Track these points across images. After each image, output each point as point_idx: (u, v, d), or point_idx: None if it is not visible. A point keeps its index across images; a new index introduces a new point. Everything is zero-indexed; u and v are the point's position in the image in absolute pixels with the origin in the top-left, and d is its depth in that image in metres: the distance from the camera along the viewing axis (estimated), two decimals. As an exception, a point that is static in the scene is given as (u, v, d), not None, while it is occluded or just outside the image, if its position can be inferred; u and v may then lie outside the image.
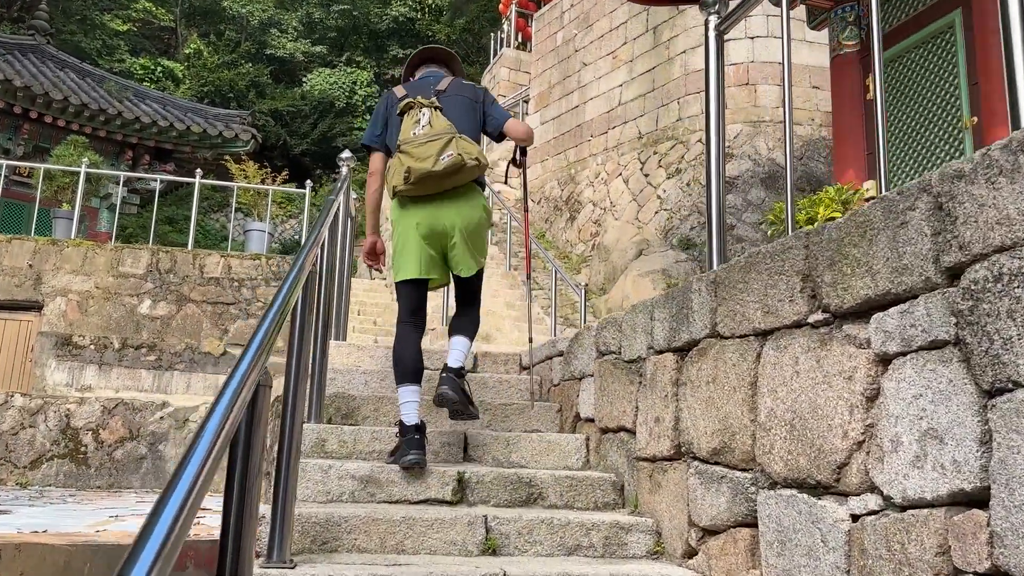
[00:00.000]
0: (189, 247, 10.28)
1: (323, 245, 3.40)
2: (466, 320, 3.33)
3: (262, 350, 1.64)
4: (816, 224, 4.37)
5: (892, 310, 1.78)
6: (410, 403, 3.05)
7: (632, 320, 2.99)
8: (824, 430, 1.94)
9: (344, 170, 4.34)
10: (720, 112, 2.79)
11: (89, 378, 8.74)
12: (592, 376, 3.33)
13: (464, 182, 3.18)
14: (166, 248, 9.99)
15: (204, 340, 9.49)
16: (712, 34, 2.87)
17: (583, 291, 8.33)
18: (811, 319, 2.04)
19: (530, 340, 3.73)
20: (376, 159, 3.34)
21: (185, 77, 26.59)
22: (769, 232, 4.61)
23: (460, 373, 3.17)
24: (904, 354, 1.74)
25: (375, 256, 3.53)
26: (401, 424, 3.02)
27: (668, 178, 10.75)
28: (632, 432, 2.94)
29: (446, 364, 3.20)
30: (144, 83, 23.88)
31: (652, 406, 2.77)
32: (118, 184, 15.59)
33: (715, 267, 2.66)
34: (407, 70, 3.65)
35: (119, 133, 16.50)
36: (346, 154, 4.38)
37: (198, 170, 10.70)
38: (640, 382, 2.90)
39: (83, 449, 7.96)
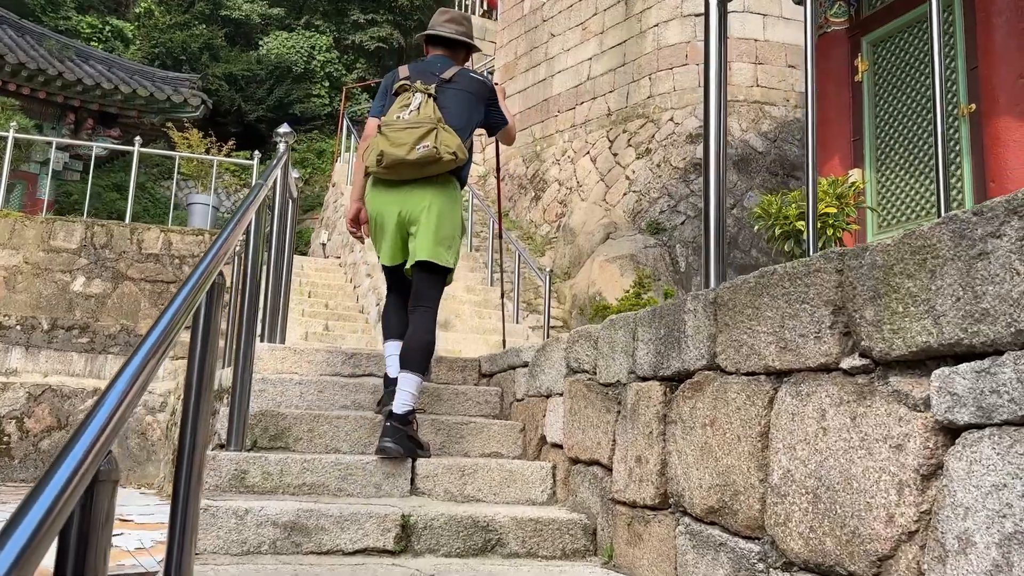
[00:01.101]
0: (127, 220, 9.62)
1: (250, 234, 2.91)
2: (417, 344, 3.06)
3: (104, 429, 1.15)
4: (809, 220, 3.98)
5: (964, 367, 1.36)
6: (392, 356, 3.14)
7: (610, 337, 2.55)
8: (861, 509, 1.53)
9: (281, 146, 3.82)
10: (721, 96, 2.35)
11: (14, 361, 8.10)
12: (561, 396, 2.90)
13: (438, 172, 3.13)
14: (101, 222, 9.32)
15: (141, 321, 8.88)
16: (714, 1, 2.41)
17: (548, 277, 7.90)
18: (845, 364, 1.62)
19: (504, 340, 3.53)
20: (372, 125, 3.31)
21: (135, 37, 25.44)
22: (756, 228, 4.20)
23: (407, 420, 2.91)
24: (980, 427, 1.32)
25: (357, 224, 3.41)
26: (386, 376, 3.18)
27: (638, 158, 10.33)
28: (608, 468, 2.51)
29: (391, 411, 2.92)
30: (92, 43, 22.74)
31: (633, 442, 2.34)
32: (59, 150, 14.75)
33: (713, 283, 2.23)
34: (426, 39, 3.57)
35: (60, 95, 15.54)
36: (284, 128, 3.86)
37: (137, 138, 10.01)
38: (619, 411, 2.47)
39: (6, 439, 7.36)
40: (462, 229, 3.32)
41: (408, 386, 2.93)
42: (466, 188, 11.47)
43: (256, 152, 10.26)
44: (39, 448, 7.39)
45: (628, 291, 5.72)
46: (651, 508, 2.23)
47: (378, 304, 8.49)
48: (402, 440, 2.84)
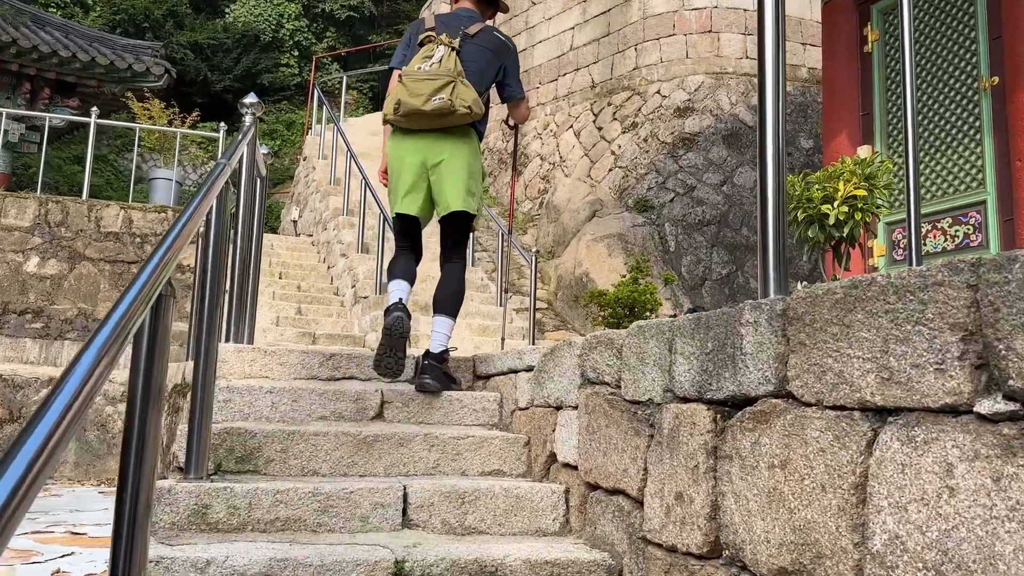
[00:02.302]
0: (84, 196, 9.05)
1: (211, 221, 2.49)
2: (450, 292, 3.31)
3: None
4: (837, 203, 3.61)
5: None
6: (395, 292, 3.22)
7: (638, 346, 2.17)
8: (1013, 600, 1.17)
9: (248, 119, 3.37)
10: (779, 70, 1.95)
11: (-38, 348, 7.57)
12: (575, 409, 2.52)
13: (455, 124, 3.20)
14: (56, 198, 8.75)
15: (101, 304, 8.36)
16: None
17: (534, 259, 7.50)
18: (982, 407, 1.25)
19: (503, 340, 3.69)
20: (393, 78, 3.38)
21: (96, 3, 24.45)
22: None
23: (442, 358, 3.20)
24: None
25: (387, 173, 3.46)
26: (386, 309, 3.17)
27: (623, 132, 9.92)
28: (637, 501, 2.14)
29: (428, 350, 3.20)
30: (50, 8, 21.77)
31: (672, 475, 1.97)
32: (15, 120, 14.01)
33: (772, 291, 1.85)
34: None
35: (14, 63, 14.73)
36: (250, 98, 3.41)
37: (94, 109, 9.41)
38: (651, 435, 2.09)
39: (-47, 433, 6.86)
40: (483, 178, 3.46)
41: (442, 328, 3.23)
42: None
43: (222, 124, 9.71)
44: (-10, 442, 6.90)
45: (624, 276, 5.36)
46: (697, 557, 1.87)
47: (353, 286, 8.05)
48: (438, 377, 3.10)
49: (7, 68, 14.53)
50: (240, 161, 3.35)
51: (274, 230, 16.31)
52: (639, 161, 9.49)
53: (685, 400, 1.96)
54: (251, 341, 3.81)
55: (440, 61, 3.13)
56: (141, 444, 1.58)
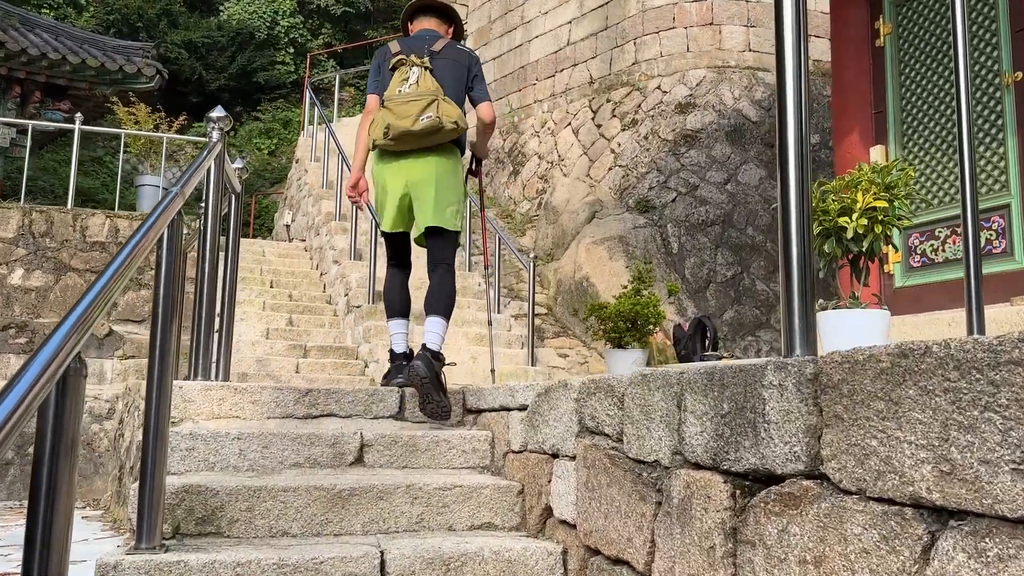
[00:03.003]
0: (69, 205, 8.79)
1: (162, 258, 2.22)
2: (440, 296, 3.45)
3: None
4: (856, 216, 3.33)
5: None
6: (398, 334, 3.51)
7: (642, 398, 1.90)
8: None
9: (215, 134, 3.10)
10: (801, 68, 1.69)
11: (-57, 366, 7.32)
12: (572, 460, 2.26)
13: (441, 141, 3.34)
14: (41, 207, 8.49)
15: (88, 316, 8.11)
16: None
17: (532, 264, 7.23)
18: (1080, 525, 0.99)
19: (492, 372, 4.04)
20: (372, 100, 3.51)
21: (89, 3, 24.18)
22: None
23: (437, 356, 3.25)
24: None
25: (357, 190, 3.63)
26: (391, 352, 3.47)
27: (623, 130, 9.64)
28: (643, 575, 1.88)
29: (424, 344, 3.30)
30: (42, 10, 21.52)
31: (683, 553, 1.71)
32: (4, 126, 13.77)
33: (799, 348, 1.58)
34: (405, 17, 3.78)
35: (3, 66, 14.48)
36: (216, 112, 3.14)
37: (78, 115, 9.15)
38: (659, 502, 1.83)
39: (-67, 455, 6.62)
40: (464, 193, 3.61)
41: (436, 328, 3.36)
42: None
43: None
44: (-29, 464, 6.66)
45: (626, 287, 5.09)
46: (714, 654, 1.61)
47: (346, 294, 7.80)
48: (429, 367, 3.09)
49: (-4, 71, 14.29)
50: (207, 179, 3.09)
51: (270, 230, 16.07)
52: (639, 159, 9.22)
53: (698, 467, 1.70)
54: (226, 375, 3.55)
55: (417, 81, 3.29)
56: (46, 540, 1.32)
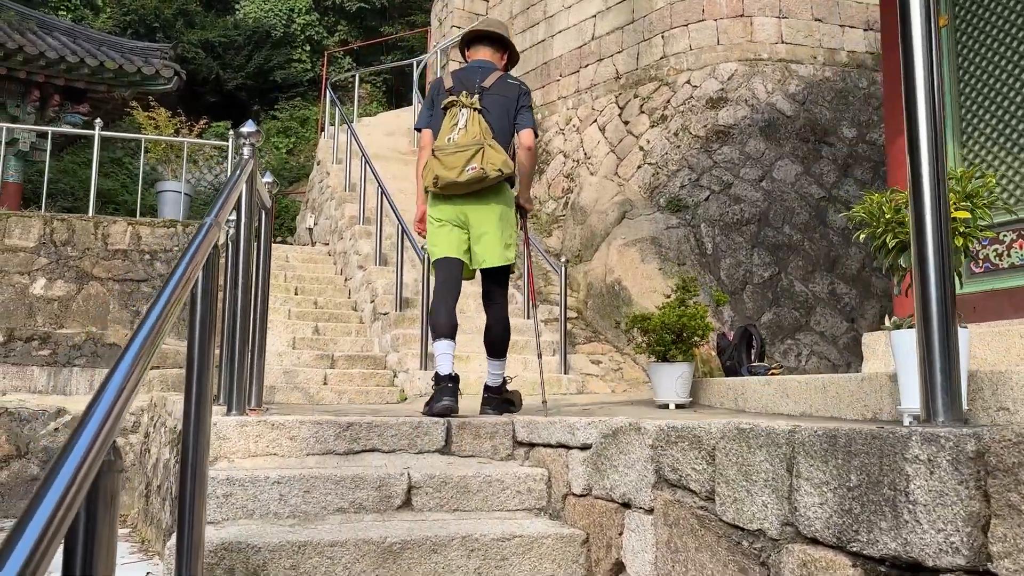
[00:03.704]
0: (91, 213, 8.66)
1: (199, 285, 2.03)
2: (497, 336, 3.77)
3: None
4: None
5: None
6: (444, 355, 3.53)
7: (739, 455, 1.69)
8: None
9: (246, 151, 2.91)
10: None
11: (-34, 380, 7.21)
12: (649, 513, 2.04)
13: (488, 186, 3.54)
14: (61, 216, 8.36)
15: (111, 326, 7.98)
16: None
17: (563, 269, 7.01)
18: None
19: (544, 403, 3.97)
20: (426, 136, 3.71)
21: (106, 5, 24.16)
22: (858, 236, 3.33)
23: (500, 390, 3.71)
24: None
25: (424, 223, 3.81)
26: (436, 375, 3.46)
27: (652, 126, 9.38)
28: (743, 657, 1.66)
29: (486, 384, 3.75)
30: (60, 12, 21.50)
31: (796, 640, 1.49)
32: (24, 129, 13.72)
33: (940, 402, 1.36)
34: (462, 44, 3.96)
35: (22, 70, 14.39)
36: (248, 127, 2.95)
37: (98, 121, 9.02)
38: (761, 576, 1.62)
39: (-42, 471, 6.51)
40: (516, 223, 3.82)
41: (495, 370, 3.74)
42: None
43: (231, 134, 9.26)
44: (-4, 480, 6.55)
45: (668, 296, 4.86)
46: None
47: (372, 301, 7.61)
48: (498, 406, 3.60)
49: (15, 76, 14.20)
50: (240, 200, 2.90)
51: (291, 231, 15.93)
52: (670, 157, 8.96)
53: (816, 543, 1.48)
54: (259, 400, 3.37)
55: (466, 126, 3.49)
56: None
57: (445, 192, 3.53)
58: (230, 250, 3.00)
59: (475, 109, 3.52)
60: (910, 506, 1.28)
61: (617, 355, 7.54)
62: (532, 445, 2.81)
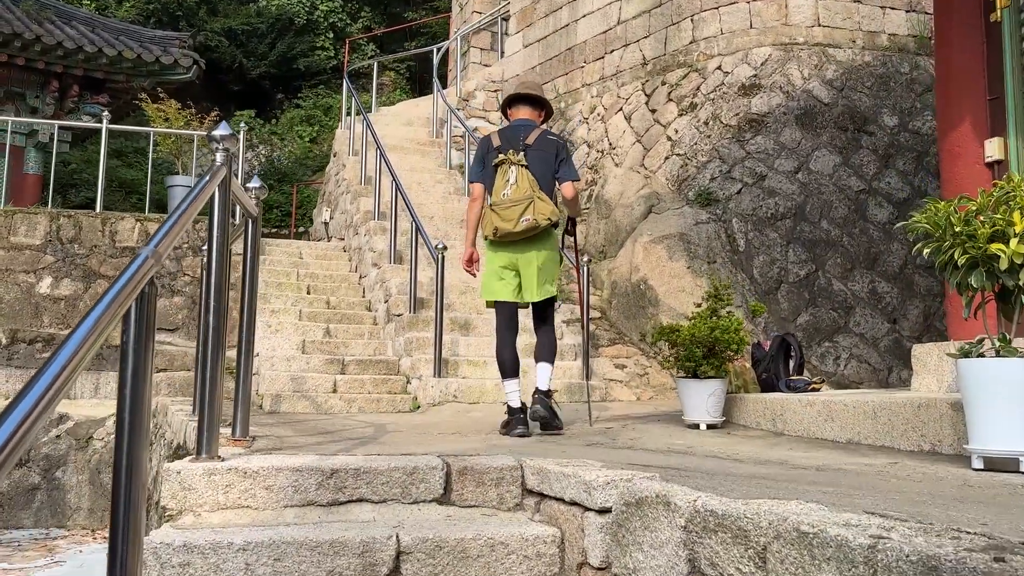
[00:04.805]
0: (98, 209, 8.41)
1: (131, 319, 1.70)
2: (545, 346, 4.27)
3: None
4: (1016, 242, 2.65)
5: None
6: (513, 392, 4.14)
7: (801, 567, 1.30)
8: None
9: (218, 157, 2.56)
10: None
11: (-32, 384, 6.99)
12: (678, 610, 1.67)
13: (538, 233, 4.11)
14: (68, 212, 8.12)
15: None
16: None
17: (586, 269, 6.62)
18: None
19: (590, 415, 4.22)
20: (477, 188, 4.27)
21: (128, -8, 24.02)
22: (920, 250, 2.91)
23: (548, 394, 4.16)
24: None
25: (471, 263, 4.42)
26: (508, 406, 4.15)
27: (680, 115, 8.92)
28: None
29: (536, 387, 4.17)
30: (84, 1, 21.34)
31: None
32: (46, 120, 13.57)
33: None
34: (504, 104, 4.53)
35: (40, 60, 14.22)
36: (221, 130, 2.59)
37: (105, 113, 8.75)
38: None
39: (-42, 479, 6.30)
40: (560, 259, 4.47)
41: (544, 372, 4.21)
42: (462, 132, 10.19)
43: (243, 124, 8.98)
44: (-2, 491, 6.32)
45: (700, 305, 4.46)
46: None
47: (386, 301, 7.28)
48: (546, 407, 4.09)
49: (33, 66, 14.03)
50: (211, 212, 2.55)
51: (311, 222, 15.65)
52: (699, 147, 8.51)
53: None
54: (244, 430, 3.03)
55: (516, 181, 4.04)
56: None
57: (503, 240, 4.09)
58: (204, 275, 2.66)
59: (522, 165, 4.07)
60: None
61: (643, 359, 7.15)
62: (543, 496, 2.44)
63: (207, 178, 2.42)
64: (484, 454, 2.78)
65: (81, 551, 5.44)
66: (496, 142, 4.22)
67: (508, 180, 4.04)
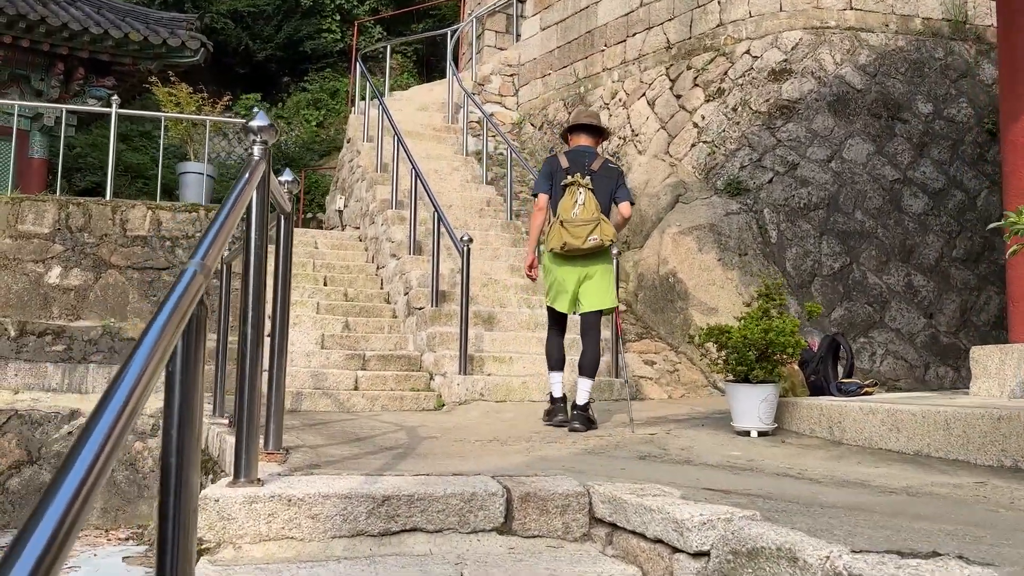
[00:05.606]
0: (108, 196, 8.17)
1: (174, 376, 1.47)
2: (590, 360, 4.60)
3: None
4: None
5: None
6: (556, 384, 4.71)
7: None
8: None
9: (256, 151, 2.32)
10: None
11: (-24, 377, 6.79)
12: None
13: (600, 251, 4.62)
14: (77, 200, 7.89)
15: (130, 317, 7.51)
16: None
17: (615, 262, 6.37)
18: None
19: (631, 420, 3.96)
20: (543, 199, 4.73)
21: (133, -26, 23.64)
22: (1013, 254, 2.67)
23: (586, 407, 4.53)
24: None
25: (532, 268, 4.90)
26: (551, 395, 4.73)
27: (707, 100, 8.64)
28: None
29: (575, 402, 4.57)
30: (89, -19, 21.02)
31: None
32: (51, 103, 13.32)
33: None
34: (565, 131, 5.02)
35: (45, 42, 13.94)
36: (259, 120, 2.36)
37: (115, 97, 8.49)
38: None
39: (-35, 478, 6.09)
40: (617, 273, 5.19)
41: (585, 387, 4.54)
42: (499, 139, 9.93)
43: (256, 111, 8.67)
44: (7, 488, 6.13)
45: (750, 305, 4.23)
46: None
47: (406, 293, 7.05)
48: (585, 421, 4.42)
49: (38, 48, 13.76)
50: (248, 213, 2.32)
51: (321, 207, 15.39)
52: (728, 134, 8.23)
53: None
54: (278, 442, 2.82)
55: (584, 203, 4.46)
56: None
57: (568, 254, 4.48)
58: (243, 283, 2.43)
59: (589, 189, 4.49)
60: None
61: (672, 354, 6.92)
62: (615, 527, 2.21)
63: (246, 175, 2.19)
64: (542, 474, 2.56)
65: (95, 555, 5.24)
66: (564, 163, 4.63)
67: (577, 201, 4.45)
